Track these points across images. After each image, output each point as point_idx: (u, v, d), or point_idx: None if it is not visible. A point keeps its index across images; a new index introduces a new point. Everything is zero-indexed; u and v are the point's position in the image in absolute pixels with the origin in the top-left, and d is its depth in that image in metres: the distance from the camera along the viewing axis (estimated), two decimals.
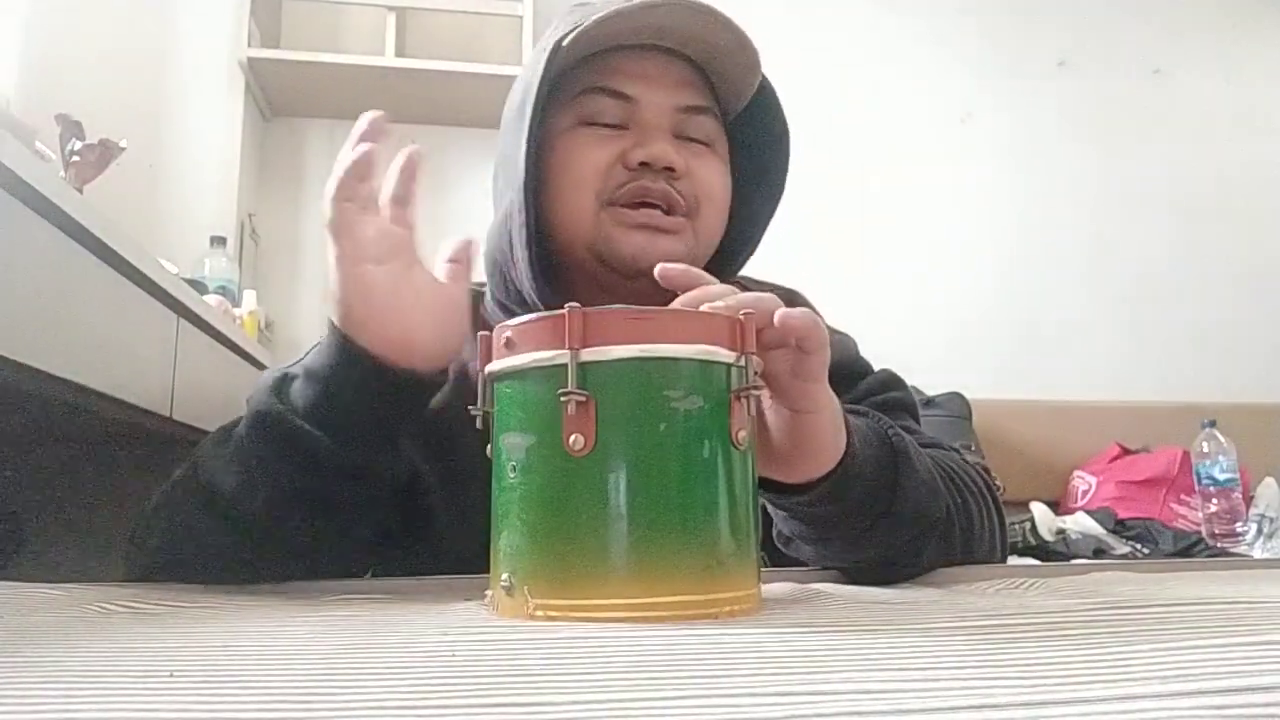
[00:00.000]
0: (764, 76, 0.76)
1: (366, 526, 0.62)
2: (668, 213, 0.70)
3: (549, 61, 0.69)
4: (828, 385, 0.52)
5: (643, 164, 0.69)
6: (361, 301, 0.55)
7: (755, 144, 0.78)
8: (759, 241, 0.80)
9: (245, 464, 0.57)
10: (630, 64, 0.72)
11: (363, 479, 0.58)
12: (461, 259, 0.60)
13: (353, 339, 0.55)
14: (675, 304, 0.50)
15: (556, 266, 0.73)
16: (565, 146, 0.71)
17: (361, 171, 0.54)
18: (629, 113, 0.71)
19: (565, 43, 0.69)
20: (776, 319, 0.48)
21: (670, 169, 0.69)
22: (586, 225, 0.70)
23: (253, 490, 0.57)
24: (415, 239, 0.58)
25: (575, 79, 0.72)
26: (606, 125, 0.71)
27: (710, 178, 0.73)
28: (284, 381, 0.59)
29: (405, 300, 0.56)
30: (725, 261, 0.77)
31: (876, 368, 0.83)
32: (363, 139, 0.55)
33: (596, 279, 0.71)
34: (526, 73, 0.74)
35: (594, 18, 0.69)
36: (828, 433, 0.53)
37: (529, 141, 0.69)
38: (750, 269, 0.83)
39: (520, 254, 0.70)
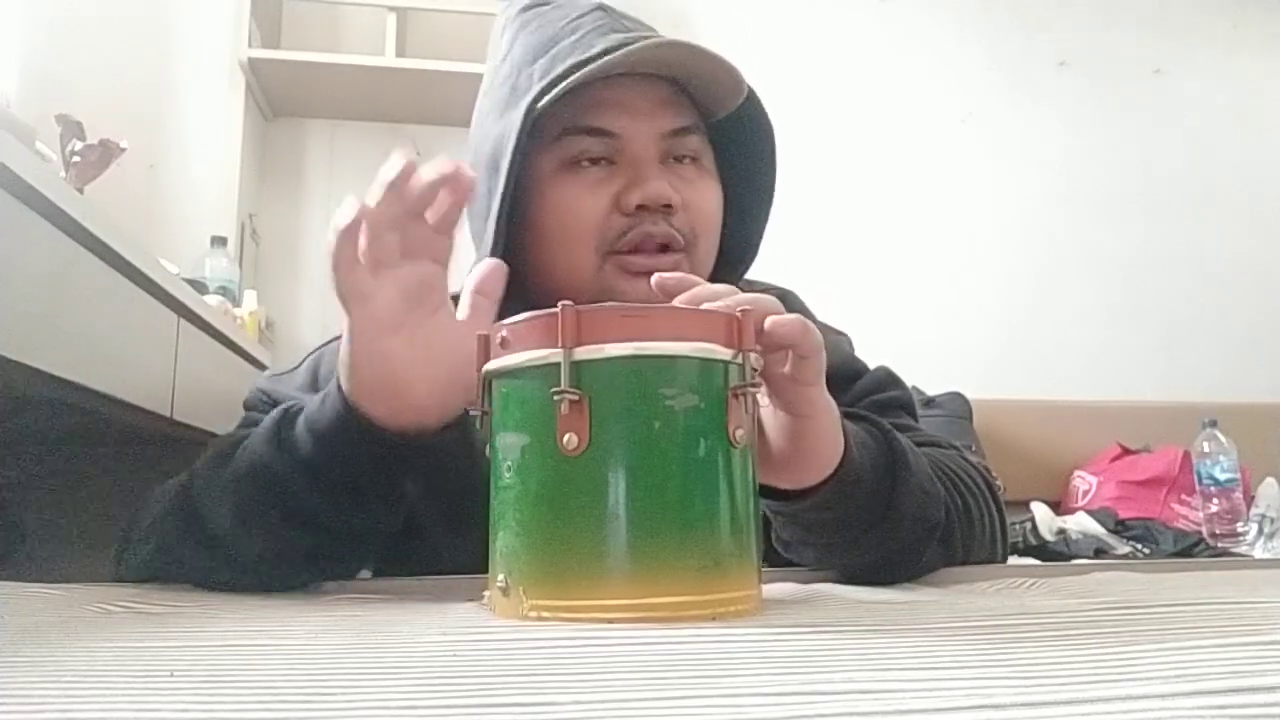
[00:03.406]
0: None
1: (360, 567, 0.62)
2: (665, 248, 0.68)
3: (525, 117, 0.66)
4: (825, 390, 0.52)
5: (640, 206, 0.67)
6: (374, 375, 0.52)
7: (741, 144, 0.77)
8: (759, 244, 0.79)
9: (239, 510, 0.55)
10: (608, 95, 0.68)
11: (362, 537, 0.58)
12: (488, 290, 0.55)
13: (361, 409, 0.52)
14: (674, 303, 0.50)
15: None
16: (555, 194, 0.69)
17: (377, 226, 0.49)
18: (614, 148, 0.68)
19: (541, 104, 0.66)
20: (767, 326, 0.47)
21: (668, 206, 0.67)
22: (587, 277, 0.68)
23: (247, 536, 0.56)
24: (446, 275, 0.53)
25: (552, 118, 0.68)
26: (593, 164, 0.68)
27: (705, 204, 0.71)
28: (286, 422, 0.56)
29: (422, 366, 0.52)
30: (728, 270, 0.76)
31: (876, 366, 0.82)
32: (387, 187, 0.49)
33: None
34: (495, 112, 0.71)
35: (571, 76, 0.65)
36: (826, 437, 0.53)
37: (504, 198, 0.66)
38: (750, 267, 0.83)
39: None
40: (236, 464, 0.57)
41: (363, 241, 0.50)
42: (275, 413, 0.57)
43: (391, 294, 0.51)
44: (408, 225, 0.51)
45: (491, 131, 0.70)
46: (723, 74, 0.70)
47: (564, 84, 0.66)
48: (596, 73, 0.66)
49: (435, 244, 0.53)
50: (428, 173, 0.51)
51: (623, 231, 0.67)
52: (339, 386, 0.53)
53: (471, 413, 0.47)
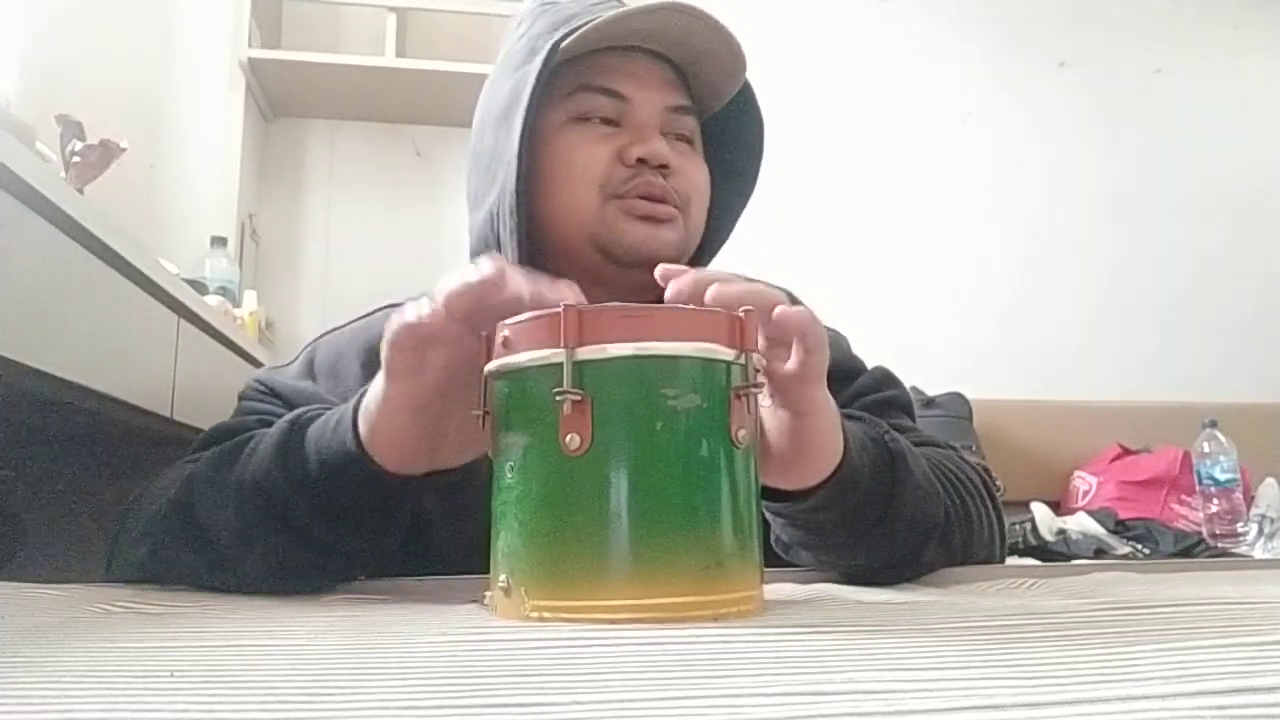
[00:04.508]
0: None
1: (360, 574, 0.63)
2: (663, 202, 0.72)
3: (545, 61, 0.70)
4: (826, 389, 0.52)
5: (640, 160, 0.71)
6: (390, 440, 0.52)
7: (728, 140, 0.80)
8: (729, 234, 0.82)
9: (241, 526, 0.55)
10: (621, 64, 0.74)
11: (363, 555, 0.58)
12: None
13: (371, 455, 0.52)
14: (684, 280, 0.49)
15: (548, 259, 0.72)
16: (562, 142, 0.73)
17: (439, 332, 0.48)
18: (621, 111, 0.73)
19: (564, 44, 0.70)
20: (775, 317, 0.47)
21: (665, 165, 0.72)
22: (590, 218, 0.71)
23: (246, 548, 0.56)
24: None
25: (565, 78, 0.73)
26: (601, 122, 0.73)
27: (696, 175, 0.76)
28: (293, 441, 0.55)
29: (440, 434, 0.52)
30: (698, 254, 0.79)
31: (873, 366, 0.82)
32: (466, 289, 0.47)
33: (591, 271, 0.71)
34: (510, 72, 0.74)
35: (593, 21, 0.70)
36: (826, 437, 0.53)
37: (522, 137, 0.69)
38: (749, 267, 0.83)
39: (510, 250, 0.70)
40: (240, 472, 0.57)
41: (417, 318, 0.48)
42: (284, 423, 0.57)
43: (438, 370, 0.50)
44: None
45: (504, 88, 0.74)
46: (727, 55, 0.74)
47: (586, 27, 0.69)
48: (615, 20, 0.69)
49: (509, 313, 0.48)
50: (528, 287, 0.48)
51: (626, 179, 0.71)
52: (353, 422, 0.53)
53: (472, 412, 0.47)
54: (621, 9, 0.71)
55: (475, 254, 0.76)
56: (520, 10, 0.81)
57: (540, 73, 0.69)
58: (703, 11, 0.71)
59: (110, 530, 0.66)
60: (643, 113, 0.73)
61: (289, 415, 0.58)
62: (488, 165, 0.74)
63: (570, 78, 0.73)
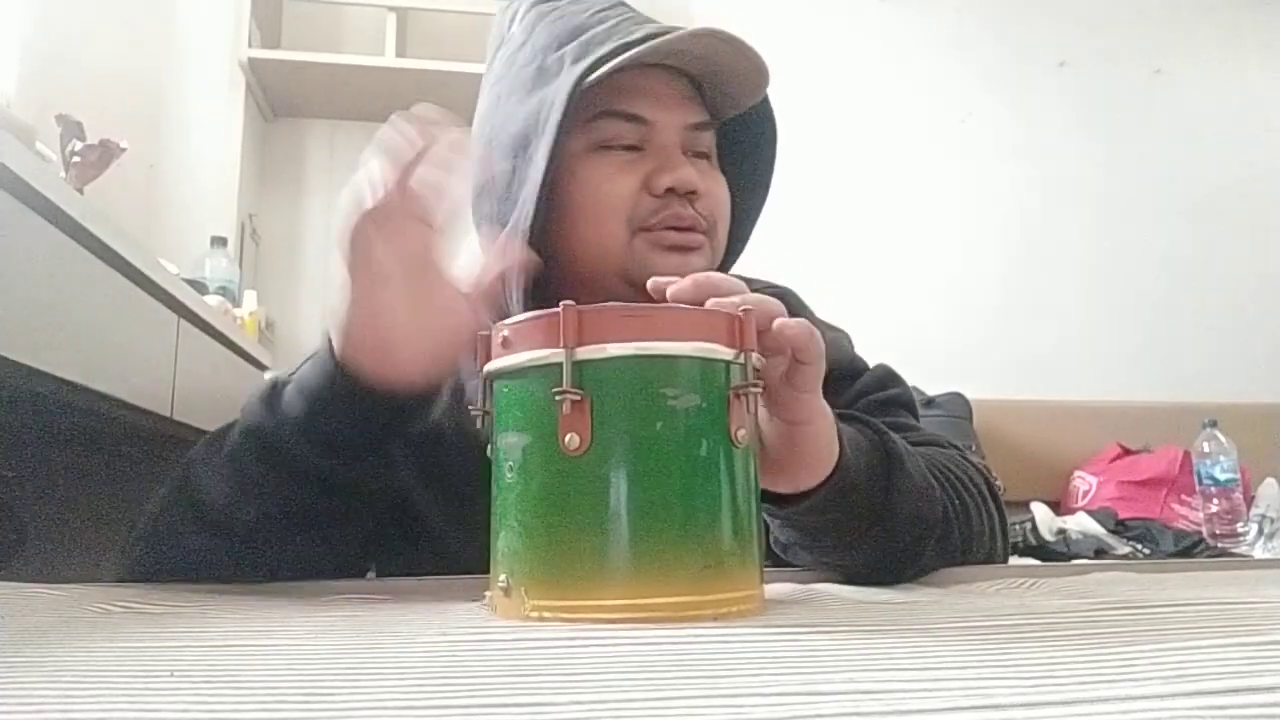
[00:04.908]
0: None
1: (356, 538, 0.63)
2: (691, 230, 0.70)
3: (570, 96, 0.67)
4: (821, 396, 0.52)
5: (668, 190, 0.69)
6: (364, 327, 0.53)
7: (742, 143, 0.79)
8: (748, 237, 0.80)
9: (235, 476, 0.56)
10: (639, 84, 0.70)
11: (352, 493, 0.59)
12: (509, 272, 0.57)
13: (347, 364, 0.53)
14: (683, 285, 0.49)
15: (570, 288, 0.70)
16: (586, 174, 0.70)
17: (391, 180, 0.50)
18: (643, 134, 0.70)
19: (589, 80, 0.67)
20: (774, 328, 0.47)
21: (693, 192, 0.70)
22: (617, 252, 0.69)
23: (242, 503, 0.56)
24: (442, 244, 0.54)
25: (584, 102, 0.68)
26: (623, 148, 0.70)
27: (721, 194, 0.73)
28: (276, 392, 0.57)
29: (411, 327, 0.53)
30: (721, 264, 0.77)
31: (875, 364, 0.82)
32: (397, 144, 0.51)
33: (614, 300, 0.70)
34: (520, 94, 0.72)
35: (617, 59, 0.67)
36: (820, 443, 0.53)
37: (546, 174, 0.67)
38: (749, 266, 0.83)
39: (518, 280, 0.69)
40: (230, 439, 0.58)
41: (369, 199, 0.51)
42: (265, 381, 0.59)
43: (390, 250, 0.52)
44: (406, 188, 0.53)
45: (517, 113, 0.71)
46: (750, 71, 0.71)
47: (613, 62, 0.67)
48: (643, 54, 0.67)
49: (430, 209, 0.53)
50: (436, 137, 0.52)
51: (653, 210, 0.69)
52: (329, 345, 0.54)
53: (473, 411, 0.47)
54: (645, 38, 0.67)
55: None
56: (508, 9, 0.79)
57: (566, 108, 0.66)
58: (727, 34, 0.69)
59: (123, 535, 0.66)
60: (664, 135, 0.70)
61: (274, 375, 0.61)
62: (504, 194, 0.71)
63: (590, 101, 0.69)
